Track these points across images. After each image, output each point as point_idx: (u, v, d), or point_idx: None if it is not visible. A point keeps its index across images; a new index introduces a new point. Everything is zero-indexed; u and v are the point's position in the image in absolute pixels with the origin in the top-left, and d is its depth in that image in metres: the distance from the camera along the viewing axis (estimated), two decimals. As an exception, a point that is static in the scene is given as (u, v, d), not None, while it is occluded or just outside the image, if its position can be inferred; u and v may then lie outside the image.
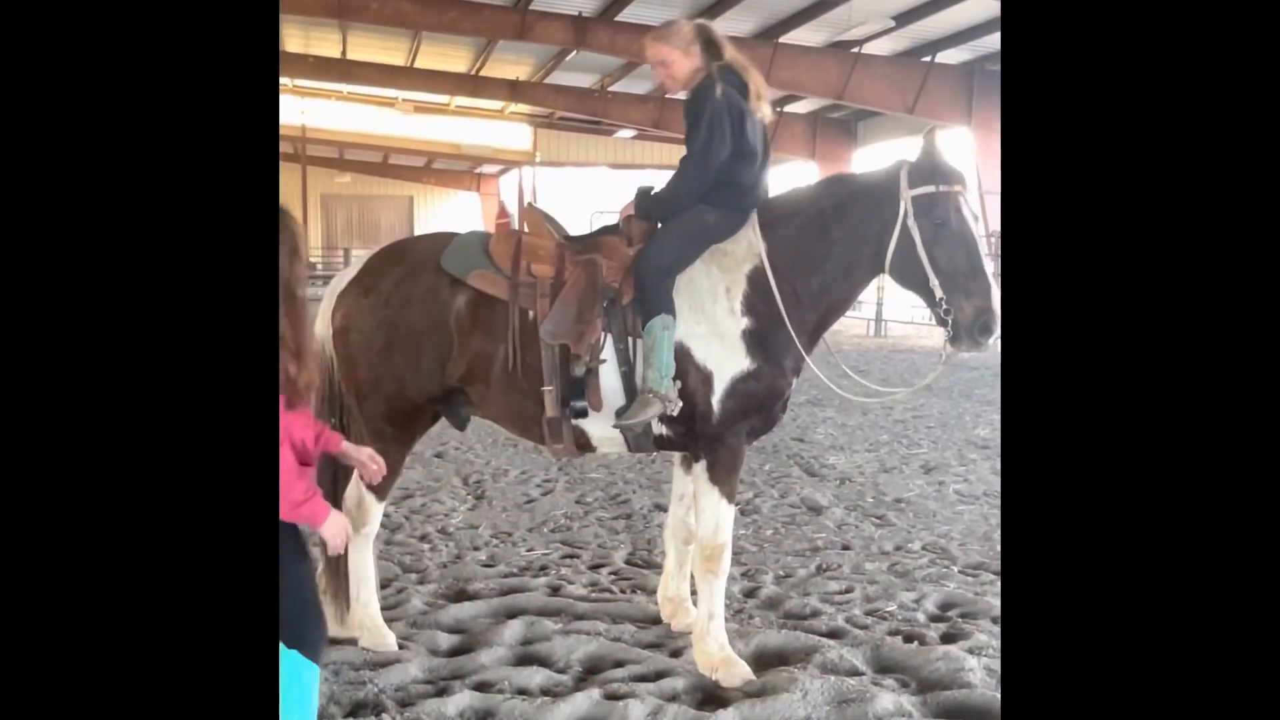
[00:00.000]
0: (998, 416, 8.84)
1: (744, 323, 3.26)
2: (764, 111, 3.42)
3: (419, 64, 23.90)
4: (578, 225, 3.71)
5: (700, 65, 3.39)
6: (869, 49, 18.51)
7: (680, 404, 3.21)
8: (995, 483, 6.29)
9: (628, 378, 3.28)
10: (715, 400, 3.24)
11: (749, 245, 3.34)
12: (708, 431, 3.27)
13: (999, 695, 3.03)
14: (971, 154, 18.93)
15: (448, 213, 39.48)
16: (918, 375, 11.68)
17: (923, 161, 3.20)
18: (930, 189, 3.14)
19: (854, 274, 3.33)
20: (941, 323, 3.16)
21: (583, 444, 3.41)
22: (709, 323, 3.26)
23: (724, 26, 19.31)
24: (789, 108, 23.25)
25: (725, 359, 3.25)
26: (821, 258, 3.28)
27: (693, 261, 3.29)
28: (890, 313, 19.05)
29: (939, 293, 3.11)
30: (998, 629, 3.66)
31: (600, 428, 3.35)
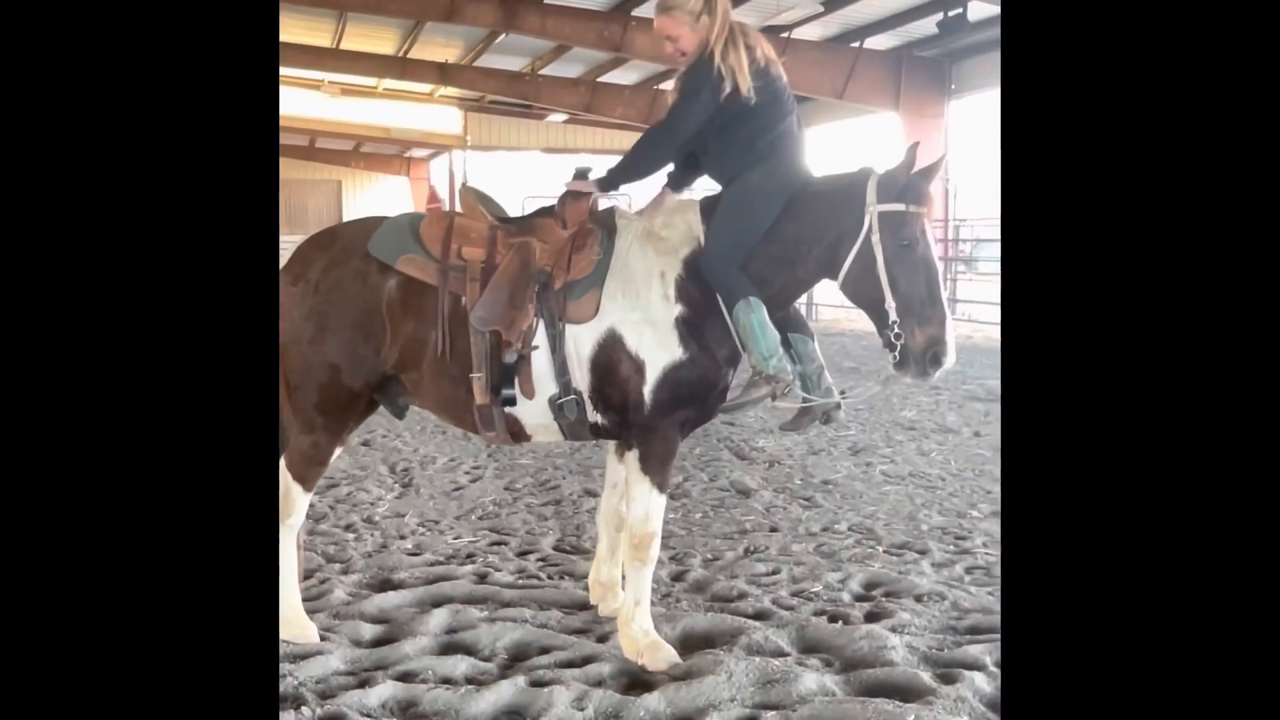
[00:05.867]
0: (924, 398, 9.00)
1: (677, 309, 3.19)
2: (779, 73, 3.37)
3: (345, 45, 23.45)
4: (510, 211, 3.65)
5: (707, 38, 3.26)
6: (798, 34, 18.61)
7: (797, 384, 3.17)
8: (920, 463, 6.39)
9: (559, 365, 3.23)
10: (647, 390, 3.18)
11: (688, 228, 3.28)
12: (640, 421, 3.22)
13: (919, 673, 3.08)
14: (900, 139, 19.18)
15: (377, 197, 38.89)
16: (848, 358, 11.81)
17: (895, 176, 3.10)
18: (899, 207, 3.05)
19: (798, 271, 3.24)
20: (889, 346, 3.06)
21: (517, 432, 3.34)
22: (642, 309, 3.19)
23: (653, 10, 19.37)
24: (720, 92, 23.26)
25: (657, 348, 3.18)
26: (764, 247, 3.20)
27: (758, 236, 3.17)
28: (820, 297, 19.20)
29: (893, 315, 3.03)
30: (920, 607, 3.72)
31: (534, 415, 3.29)
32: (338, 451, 3.53)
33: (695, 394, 3.23)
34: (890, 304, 3.04)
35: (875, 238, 3.05)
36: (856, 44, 18.95)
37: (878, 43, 19.07)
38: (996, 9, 15.43)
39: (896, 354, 3.04)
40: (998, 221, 19.32)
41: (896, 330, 3.03)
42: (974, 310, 17.44)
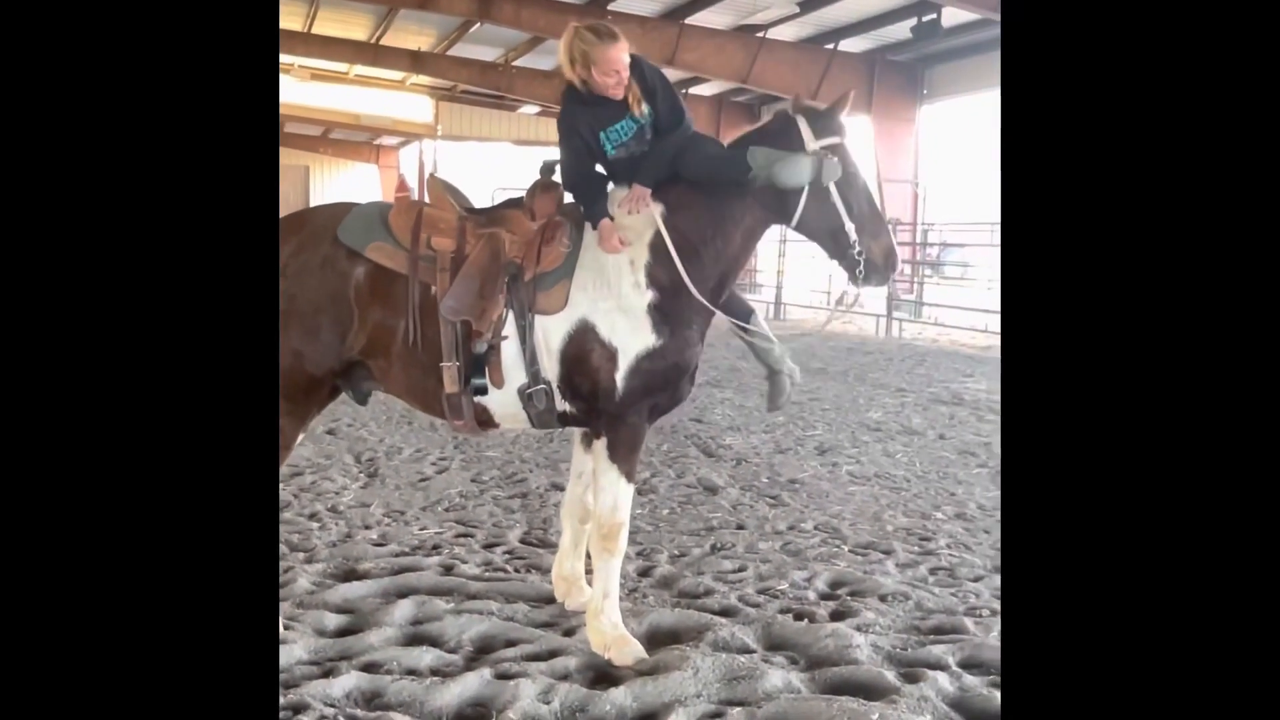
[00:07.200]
0: (890, 400, 9.07)
1: (649, 295, 3.23)
2: None
3: (316, 30, 23.21)
4: (479, 202, 3.63)
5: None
6: (773, 34, 18.68)
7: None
8: (886, 464, 6.44)
9: (529, 355, 3.24)
10: (619, 378, 3.20)
11: (648, 213, 3.30)
12: (609, 409, 3.24)
13: (884, 671, 3.11)
14: (871, 142, 19.30)
15: (345, 184, 38.57)
16: (815, 359, 11.86)
17: (823, 113, 3.28)
18: (836, 140, 3.24)
19: (746, 220, 3.33)
20: (851, 265, 3.25)
21: (485, 420, 3.35)
22: (615, 298, 3.22)
23: (630, 6, 19.27)
24: (694, 90, 23.33)
25: (631, 335, 3.21)
26: (717, 211, 3.29)
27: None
28: (789, 296, 19.31)
29: (853, 236, 3.23)
30: (884, 606, 3.75)
31: (503, 404, 3.29)
32: (300, 438, 3.50)
33: (668, 379, 3.28)
34: (849, 226, 3.23)
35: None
36: (831, 46, 19.04)
37: (852, 45, 19.17)
38: (970, 16, 15.56)
39: (860, 269, 3.24)
40: (964, 227, 19.55)
41: (858, 249, 3.23)
42: (940, 314, 17.58)
